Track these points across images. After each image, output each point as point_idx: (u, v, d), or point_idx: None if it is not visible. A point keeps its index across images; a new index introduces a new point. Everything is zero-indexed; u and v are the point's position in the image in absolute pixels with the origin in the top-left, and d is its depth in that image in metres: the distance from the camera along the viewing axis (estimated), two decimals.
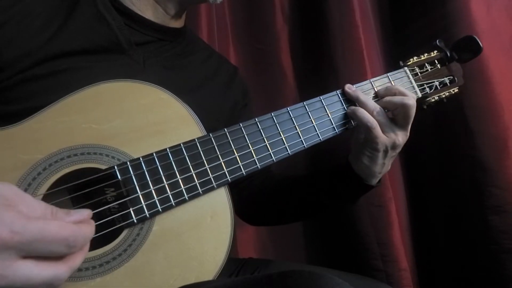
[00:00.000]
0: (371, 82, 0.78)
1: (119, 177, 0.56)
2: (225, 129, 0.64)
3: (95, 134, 0.57)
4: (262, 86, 1.29)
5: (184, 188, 0.59)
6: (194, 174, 0.60)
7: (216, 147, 0.63)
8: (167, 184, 0.58)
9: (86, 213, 0.44)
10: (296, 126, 0.70)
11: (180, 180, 0.59)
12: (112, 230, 0.54)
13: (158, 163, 0.58)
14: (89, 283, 0.52)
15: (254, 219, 0.96)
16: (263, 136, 0.67)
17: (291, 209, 0.87)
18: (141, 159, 0.58)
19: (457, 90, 0.86)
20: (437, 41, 0.85)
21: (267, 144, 0.67)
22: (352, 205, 1.12)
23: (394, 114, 0.74)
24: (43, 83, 0.61)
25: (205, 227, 0.60)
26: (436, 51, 0.85)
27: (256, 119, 0.67)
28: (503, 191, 1.11)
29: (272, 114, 0.69)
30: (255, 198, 0.89)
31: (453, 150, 1.21)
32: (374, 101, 0.74)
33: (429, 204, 1.31)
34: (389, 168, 0.77)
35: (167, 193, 0.58)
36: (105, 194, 0.57)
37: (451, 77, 0.85)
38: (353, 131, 0.77)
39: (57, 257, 0.40)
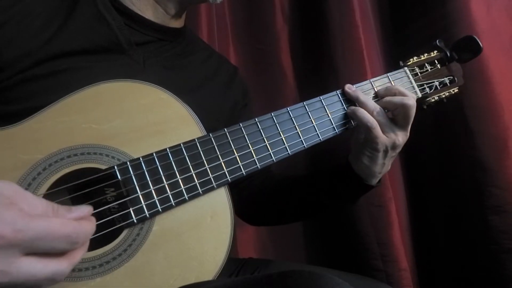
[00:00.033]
0: (371, 82, 0.78)
1: (119, 177, 0.56)
2: (225, 129, 0.64)
3: (95, 134, 0.57)
4: (262, 86, 1.29)
5: (184, 188, 0.59)
6: (194, 174, 0.60)
7: (216, 147, 0.63)
8: (167, 184, 0.58)
9: (86, 209, 0.45)
10: (296, 126, 0.70)
11: (180, 180, 0.59)
12: (112, 230, 0.55)
13: (158, 163, 0.58)
14: (89, 283, 0.52)
15: (254, 219, 0.96)
16: (263, 136, 0.67)
17: (291, 209, 0.87)
18: (141, 159, 0.58)
19: (457, 90, 0.86)
20: (437, 41, 0.85)
21: (267, 144, 0.67)
22: (352, 205, 1.12)
23: (394, 114, 0.74)
24: (43, 83, 0.61)
25: (205, 227, 0.60)
26: (436, 51, 0.85)
27: (256, 119, 0.67)
28: (503, 191, 1.11)
29: (272, 114, 0.69)
30: (255, 198, 0.89)
31: (453, 150, 1.21)
32: (374, 101, 0.74)
33: (429, 204, 1.31)
34: (389, 168, 0.77)
35: (167, 193, 0.58)
36: (105, 194, 0.57)
37: (451, 77, 0.85)
38: (353, 131, 0.77)
39: (59, 253, 0.41)
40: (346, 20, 1.21)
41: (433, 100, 0.84)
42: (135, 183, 0.57)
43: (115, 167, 0.56)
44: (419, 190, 1.33)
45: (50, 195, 0.53)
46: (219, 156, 0.63)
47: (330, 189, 0.80)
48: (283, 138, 0.68)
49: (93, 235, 0.48)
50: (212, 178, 0.61)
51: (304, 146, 0.70)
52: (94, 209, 0.47)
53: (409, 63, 0.83)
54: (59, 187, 0.53)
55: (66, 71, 0.63)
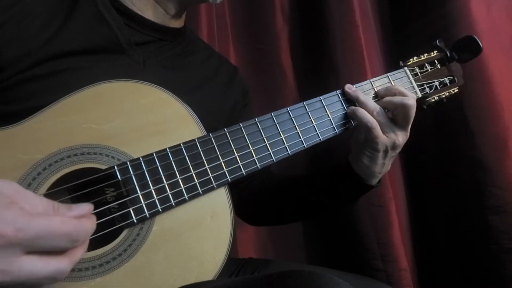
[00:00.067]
0: (371, 82, 0.78)
1: (119, 177, 0.56)
2: (225, 129, 0.64)
3: (95, 134, 0.57)
4: (262, 86, 1.29)
5: (184, 188, 0.59)
6: (194, 174, 0.60)
7: (216, 147, 0.63)
8: (167, 184, 0.58)
9: (87, 207, 0.45)
10: (296, 126, 0.70)
11: (180, 180, 0.59)
12: (112, 230, 0.55)
13: (158, 163, 0.58)
14: (89, 283, 0.52)
15: (254, 219, 0.96)
16: (263, 136, 0.67)
17: (291, 209, 0.87)
18: (141, 159, 0.58)
19: (457, 90, 0.86)
20: (437, 41, 0.85)
21: (267, 144, 0.67)
22: (352, 205, 1.12)
23: (394, 114, 0.74)
24: (43, 83, 0.61)
25: (205, 227, 0.60)
26: (436, 51, 0.85)
27: (256, 119, 0.67)
28: (503, 191, 1.11)
29: (272, 114, 0.69)
30: (255, 198, 0.89)
31: (453, 150, 1.21)
32: (374, 101, 0.74)
33: (429, 204, 1.31)
34: (389, 168, 0.77)
35: (167, 193, 0.58)
36: (105, 194, 0.57)
37: (451, 77, 0.85)
38: (353, 131, 0.77)
39: (59, 252, 0.41)
40: (346, 20, 1.21)
41: (433, 100, 0.84)
42: (135, 183, 0.57)
43: (115, 167, 0.56)
44: (419, 190, 1.33)
45: (50, 195, 0.52)
46: (219, 156, 0.63)
47: (330, 189, 0.80)
48: (283, 138, 0.68)
49: (93, 235, 0.48)
50: (212, 178, 0.61)
51: (304, 146, 0.70)
52: (94, 209, 0.47)
53: (409, 63, 0.83)
54: (59, 187, 0.53)
55: (66, 71, 0.63)
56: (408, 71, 0.82)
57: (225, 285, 0.52)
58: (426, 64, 0.84)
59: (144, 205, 0.56)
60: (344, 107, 0.75)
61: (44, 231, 0.38)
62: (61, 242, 0.40)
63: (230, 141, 0.64)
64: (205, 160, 0.61)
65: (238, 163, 0.64)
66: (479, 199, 1.14)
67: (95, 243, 0.52)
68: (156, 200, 0.57)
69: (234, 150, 0.64)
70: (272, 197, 0.87)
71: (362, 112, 0.72)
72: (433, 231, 1.30)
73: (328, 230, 1.31)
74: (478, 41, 0.82)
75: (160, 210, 0.57)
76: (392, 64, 0.87)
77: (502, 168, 1.11)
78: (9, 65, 0.60)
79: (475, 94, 1.13)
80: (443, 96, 0.84)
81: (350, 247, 1.24)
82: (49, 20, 0.64)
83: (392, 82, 0.80)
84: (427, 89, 0.82)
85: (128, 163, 0.57)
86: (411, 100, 0.71)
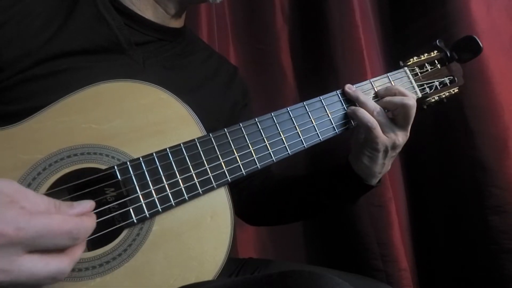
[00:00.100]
0: (371, 82, 0.78)
1: (119, 177, 0.56)
2: (225, 129, 0.64)
3: (95, 134, 0.57)
4: (262, 86, 1.29)
5: (184, 188, 0.59)
6: (194, 174, 0.60)
7: (216, 147, 0.63)
8: (167, 184, 0.58)
9: (88, 205, 0.45)
10: (296, 126, 0.70)
11: (180, 180, 0.59)
12: (112, 230, 0.54)
13: (158, 163, 0.58)
14: (89, 283, 0.52)
15: (254, 219, 0.96)
16: (263, 136, 0.67)
17: (291, 209, 0.87)
18: (141, 159, 0.58)
19: (457, 90, 0.86)
20: (437, 41, 0.85)
21: (267, 144, 0.67)
22: (352, 205, 1.12)
23: (394, 114, 0.74)
24: (43, 83, 0.61)
25: (205, 227, 0.60)
26: (436, 51, 0.85)
27: (256, 119, 0.67)
28: (503, 191, 1.11)
29: (272, 114, 0.69)
30: (255, 198, 0.89)
31: (453, 150, 1.21)
32: (374, 101, 0.74)
33: (429, 204, 1.31)
34: (389, 168, 0.77)
35: (167, 192, 0.58)
36: (105, 194, 0.57)
37: (451, 77, 0.85)
38: (353, 131, 0.77)
39: (60, 250, 0.41)
40: (346, 20, 1.21)
41: (433, 100, 0.84)
42: (135, 183, 0.57)
43: (115, 167, 0.56)
44: (419, 190, 1.33)
45: (50, 195, 0.52)
46: (219, 156, 0.63)
47: (330, 189, 0.80)
48: (283, 138, 0.68)
49: (93, 235, 0.48)
50: (212, 178, 0.61)
51: (304, 146, 0.70)
52: (94, 209, 0.47)
53: (409, 63, 0.83)
54: (59, 187, 0.53)
55: (66, 71, 0.63)
56: (408, 71, 0.82)
57: (225, 285, 0.52)
58: (426, 64, 0.84)
59: (144, 205, 0.56)
60: (344, 107, 0.75)
61: (45, 229, 0.38)
62: (62, 240, 0.40)
63: (230, 141, 0.64)
64: (205, 160, 0.61)
65: (238, 163, 0.64)
66: (479, 199, 1.14)
67: (95, 243, 0.52)
68: (156, 200, 0.57)
69: (234, 150, 0.64)
70: (272, 197, 0.87)
71: (362, 112, 0.72)
72: (433, 231, 1.30)
73: (328, 230, 1.31)
74: (478, 41, 0.82)
75: (160, 210, 0.57)
76: (392, 64, 0.87)
77: (502, 168, 1.11)
78: (9, 65, 0.60)
79: (475, 94, 1.13)
80: (443, 96, 0.84)
81: (350, 247, 1.24)
82: (49, 20, 0.64)
83: (392, 82, 0.80)
84: (427, 89, 0.82)
85: (128, 163, 0.57)
86: (411, 100, 0.71)
